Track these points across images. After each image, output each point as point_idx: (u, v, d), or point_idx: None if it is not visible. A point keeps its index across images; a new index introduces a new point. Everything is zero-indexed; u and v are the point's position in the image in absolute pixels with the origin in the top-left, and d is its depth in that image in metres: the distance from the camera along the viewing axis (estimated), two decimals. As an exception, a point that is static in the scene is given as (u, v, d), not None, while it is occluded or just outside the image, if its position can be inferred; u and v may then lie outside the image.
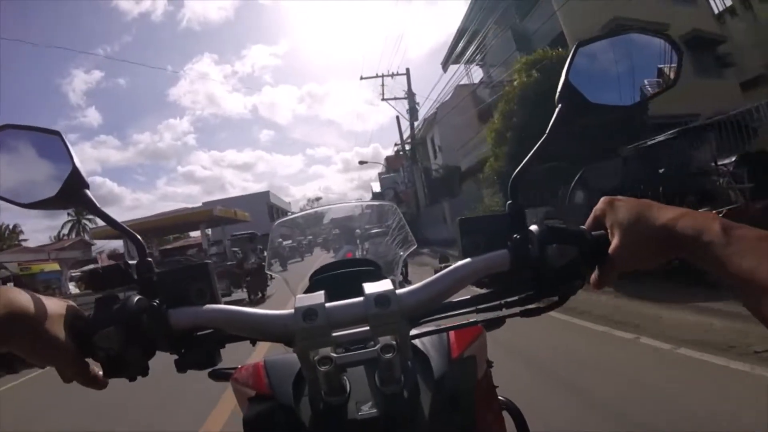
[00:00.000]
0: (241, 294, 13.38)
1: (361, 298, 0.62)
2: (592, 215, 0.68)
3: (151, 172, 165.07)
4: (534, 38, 17.06)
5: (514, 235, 0.67)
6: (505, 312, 0.73)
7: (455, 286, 0.67)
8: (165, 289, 0.68)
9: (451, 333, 0.83)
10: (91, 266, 26.53)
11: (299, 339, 0.60)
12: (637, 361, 4.12)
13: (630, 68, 0.74)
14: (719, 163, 7.09)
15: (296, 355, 0.63)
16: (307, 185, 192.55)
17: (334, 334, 0.62)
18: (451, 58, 25.37)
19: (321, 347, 0.63)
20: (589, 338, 5.03)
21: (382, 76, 28.96)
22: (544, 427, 2.72)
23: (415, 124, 29.48)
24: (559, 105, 0.71)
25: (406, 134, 31.18)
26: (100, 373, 0.62)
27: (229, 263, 14.85)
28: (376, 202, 1.81)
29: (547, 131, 0.71)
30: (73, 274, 22.75)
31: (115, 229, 0.72)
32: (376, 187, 56.94)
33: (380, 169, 50.46)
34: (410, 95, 28.87)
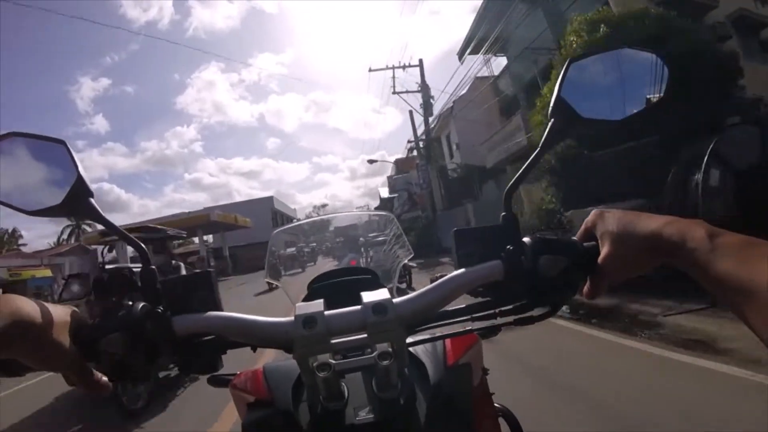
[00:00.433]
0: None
1: (359, 307, 0.64)
2: (583, 227, 0.70)
3: (158, 179, 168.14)
4: (571, 11, 14.03)
5: (508, 246, 0.69)
6: (499, 321, 0.75)
7: (450, 295, 0.69)
8: (168, 296, 0.69)
9: (447, 341, 0.84)
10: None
11: (299, 345, 0.62)
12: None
13: (622, 83, 0.76)
14: None
15: (296, 361, 0.64)
16: (313, 193, 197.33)
17: (333, 341, 0.63)
18: (468, 47, 22.16)
19: (320, 354, 0.64)
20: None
21: (393, 67, 26.48)
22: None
23: (429, 119, 27.01)
24: (552, 119, 0.73)
25: (419, 131, 28.70)
26: (104, 378, 0.63)
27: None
28: (374, 213, 1.82)
29: (540, 145, 0.73)
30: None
31: (119, 237, 0.73)
32: (384, 193, 54.80)
33: (389, 171, 48.24)
34: (424, 87, 26.24)
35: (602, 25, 9.97)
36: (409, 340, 0.71)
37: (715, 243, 0.52)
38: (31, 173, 0.73)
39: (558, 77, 0.74)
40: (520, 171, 0.73)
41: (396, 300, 0.65)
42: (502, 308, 0.73)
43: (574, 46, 10.11)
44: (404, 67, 26.21)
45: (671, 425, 2.92)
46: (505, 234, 0.71)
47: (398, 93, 26.79)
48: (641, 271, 0.63)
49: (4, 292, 0.55)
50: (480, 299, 0.74)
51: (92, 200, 0.71)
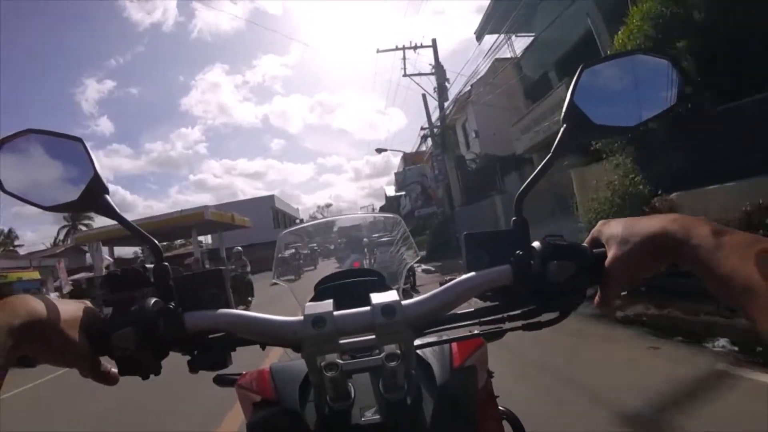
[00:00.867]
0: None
1: (368, 308, 0.64)
2: (590, 236, 0.70)
3: (163, 180, 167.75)
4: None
5: (517, 251, 0.69)
6: (507, 325, 0.75)
7: (459, 299, 0.69)
8: (180, 292, 0.70)
9: (453, 343, 0.84)
10: (83, 275, 24.71)
11: (307, 345, 0.62)
12: None
13: (634, 89, 0.76)
14: None
15: (304, 360, 0.65)
16: (318, 193, 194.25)
17: (341, 341, 0.64)
18: (488, 26, 19.49)
19: (328, 353, 0.65)
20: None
21: (404, 48, 23.07)
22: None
23: (445, 105, 23.13)
24: (564, 125, 0.73)
25: (432, 119, 24.82)
26: (114, 370, 0.64)
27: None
28: (381, 215, 1.82)
29: (551, 151, 0.73)
30: (82, 276, 21.93)
31: (134, 235, 0.73)
32: (390, 191, 52.58)
33: (397, 168, 45.29)
34: (438, 69, 22.54)
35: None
36: (416, 342, 0.71)
37: (720, 241, 0.52)
38: (48, 169, 0.74)
39: (571, 83, 0.73)
40: (532, 176, 0.73)
41: (405, 302, 0.66)
42: (510, 313, 0.74)
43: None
44: (416, 47, 23.00)
45: None
46: (515, 238, 0.71)
47: (409, 75, 23.49)
48: (648, 272, 0.63)
49: None
50: (488, 303, 0.74)
51: (108, 197, 0.72)
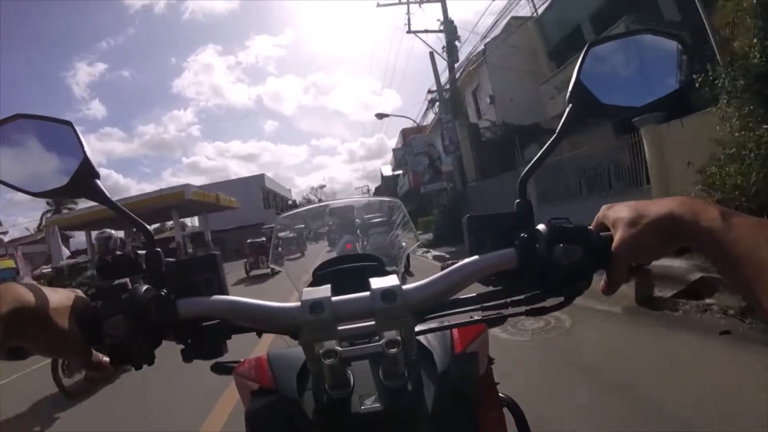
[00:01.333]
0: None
1: (367, 293, 0.63)
2: (595, 220, 0.69)
3: (156, 163, 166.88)
4: None
5: (522, 234, 0.67)
6: (510, 311, 0.74)
7: (461, 284, 0.68)
8: (173, 279, 0.68)
9: (454, 329, 0.83)
10: (66, 261, 23.75)
11: (305, 331, 0.61)
12: None
13: (641, 69, 0.75)
14: None
15: (301, 347, 0.64)
16: (312, 175, 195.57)
17: (340, 328, 0.62)
18: None
19: (326, 340, 0.63)
20: None
21: (408, 2, 20.15)
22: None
23: (455, 67, 20.16)
24: (570, 105, 0.71)
25: (436, 91, 21.69)
26: (106, 359, 0.63)
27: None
28: (379, 198, 1.81)
29: (557, 131, 0.71)
30: (44, 270, 19.63)
31: (125, 219, 0.72)
32: (387, 170, 50.11)
33: (396, 143, 41.05)
34: (447, 24, 19.39)
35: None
36: (417, 328, 0.70)
37: (729, 225, 0.52)
38: (38, 155, 0.73)
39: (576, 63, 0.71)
40: (536, 158, 0.72)
41: (405, 287, 0.64)
42: (513, 298, 0.72)
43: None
44: (421, 1, 20.02)
45: None
46: (519, 221, 0.70)
47: (414, 32, 20.55)
48: (657, 255, 0.62)
49: None
50: (491, 288, 0.72)
51: (98, 182, 0.71)
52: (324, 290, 0.64)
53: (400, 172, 41.66)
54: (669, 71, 0.73)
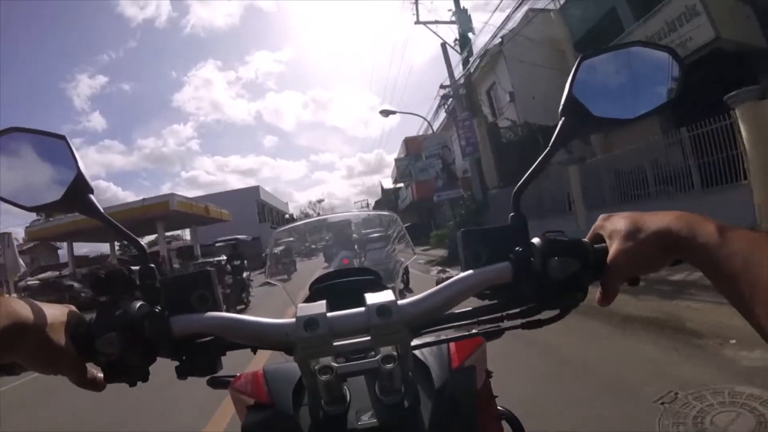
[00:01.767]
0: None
1: (362, 309, 0.63)
2: (591, 231, 0.69)
3: (155, 176, 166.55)
4: None
5: (517, 248, 0.67)
6: (506, 324, 0.74)
7: (457, 298, 0.68)
8: (167, 295, 0.68)
9: (451, 343, 0.83)
10: (48, 273, 21.83)
11: (300, 348, 0.60)
12: None
13: (633, 81, 0.76)
14: None
15: (297, 364, 0.63)
16: (310, 191, 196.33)
17: (335, 344, 0.62)
18: None
19: (322, 356, 0.63)
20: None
21: None
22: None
23: (469, 61, 17.59)
24: (562, 118, 0.71)
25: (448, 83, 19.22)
26: (100, 375, 0.62)
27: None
28: (376, 212, 1.80)
29: (550, 144, 0.72)
30: (29, 283, 18.38)
31: (119, 235, 0.72)
32: (387, 183, 48.93)
33: (399, 153, 38.39)
34: (460, 14, 17.35)
35: None
36: (413, 342, 0.69)
37: (725, 238, 0.52)
38: (31, 168, 0.73)
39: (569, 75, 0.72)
40: (530, 171, 0.72)
41: (401, 302, 0.64)
42: (509, 311, 0.72)
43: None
44: None
45: None
46: (513, 235, 0.70)
47: (423, 23, 18.47)
48: (652, 268, 0.63)
49: None
50: (487, 302, 0.72)
51: (92, 197, 0.71)
52: (319, 306, 0.64)
53: (402, 185, 40.41)
54: (660, 83, 0.74)
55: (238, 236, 17.39)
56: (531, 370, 4.20)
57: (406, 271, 8.54)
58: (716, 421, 2.80)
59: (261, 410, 0.79)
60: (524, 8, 13.98)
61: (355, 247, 1.44)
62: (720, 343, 4.09)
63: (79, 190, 0.70)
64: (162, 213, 21.58)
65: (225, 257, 14.91)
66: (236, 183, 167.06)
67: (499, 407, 1.05)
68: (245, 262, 13.27)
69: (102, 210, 0.71)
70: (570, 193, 12.58)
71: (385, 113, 24.31)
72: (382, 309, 0.61)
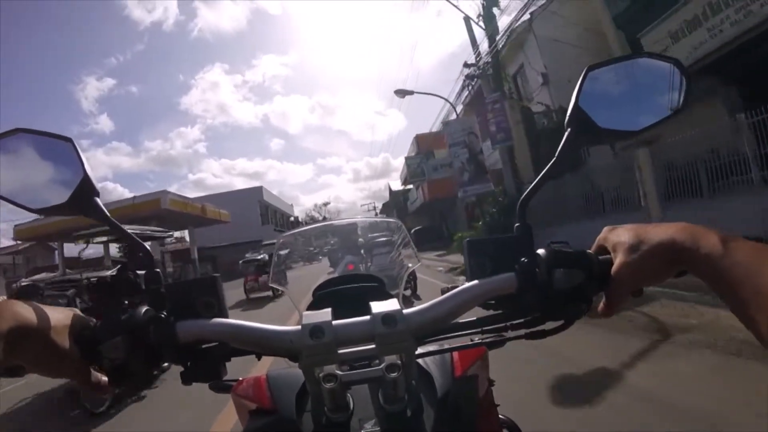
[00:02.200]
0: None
1: (368, 317, 0.63)
2: (596, 243, 0.70)
3: (162, 178, 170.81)
4: None
5: (522, 259, 0.68)
6: (510, 334, 0.74)
7: (462, 308, 0.68)
8: (173, 300, 0.68)
9: (454, 352, 0.83)
10: (43, 275, 22.27)
11: (305, 355, 0.61)
12: None
13: (639, 92, 0.76)
14: None
15: (301, 371, 0.63)
16: (317, 194, 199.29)
17: (340, 351, 0.62)
18: None
19: (326, 364, 0.63)
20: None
21: None
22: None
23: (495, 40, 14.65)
24: (568, 129, 0.72)
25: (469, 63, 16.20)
26: (105, 379, 0.62)
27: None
28: (382, 218, 1.79)
29: (555, 155, 0.72)
30: (23, 283, 18.82)
31: (124, 238, 0.72)
32: (396, 185, 47.32)
33: (409, 151, 36.30)
34: None
35: None
36: (417, 351, 0.69)
37: (728, 249, 0.52)
38: (37, 170, 0.73)
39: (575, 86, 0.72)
40: (536, 181, 0.72)
41: (406, 311, 0.64)
42: (513, 321, 0.73)
43: None
44: None
45: None
46: (519, 245, 0.70)
47: None
48: (656, 280, 0.63)
49: None
50: (491, 312, 0.73)
51: (98, 200, 0.71)
52: (324, 314, 0.64)
53: (412, 186, 38.10)
54: (666, 94, 0.74)
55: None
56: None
57: (414, 277, 8.40)
58: None
59: (263, 416, 0.79)
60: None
61: (362, 251, 1.43)
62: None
63: (85, 193, 0.70)
64: (153, 212, 19.84)
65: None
66: (243, 186, 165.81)
67: (500, 416, 1.06)
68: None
69: (108, 214, 0.71)
70: (640, 183, 10.01)
71: (401, 93, 21.02)
72: (387, 318, 0.61)
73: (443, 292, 0.69)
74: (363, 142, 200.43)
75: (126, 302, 0.67)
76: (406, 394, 0.69)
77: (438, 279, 12.22)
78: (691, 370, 3.66)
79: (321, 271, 1.32)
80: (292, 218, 58.96)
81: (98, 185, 0.71)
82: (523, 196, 0.72)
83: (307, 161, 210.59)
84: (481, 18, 15.15)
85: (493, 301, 0.71)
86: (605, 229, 0.69)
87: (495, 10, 14.90)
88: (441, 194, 29.34)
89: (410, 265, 1.21)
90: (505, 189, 15.50)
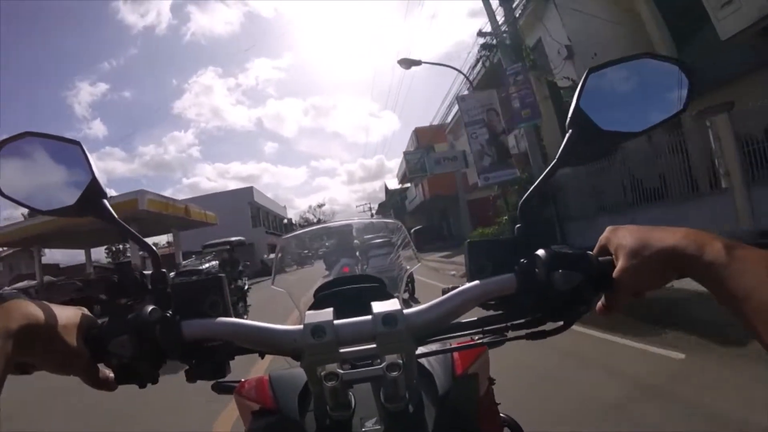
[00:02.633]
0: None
1: (369, 317, 0.63)
2: (598, 244, 0.69)
3: (156, 183, 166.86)
4: None
5: (521, 260, 0.68)
6: (510, 334, 0.74)
7: (462, 308, 0.68)
8: (178, 300, 0.69)
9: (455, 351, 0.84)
10: (25, 283, 20.67)
11: (307, 354, 0.61)
12: None
13: (641, 93, 0.76)
14: None
15: (303, 369, 0.64)
16: (311, 197, 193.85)
17: (342, 351, 0.63)
18: None
19: (328, 363, 0.64)
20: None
21: None
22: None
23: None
24: (570, 131, 0.72)
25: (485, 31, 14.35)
26: (111, 375, 0.64)
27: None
28: (381, 219, 1.78)
29: (556, 157, 0.72)
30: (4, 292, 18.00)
31: (132, 240, 0.73)
32: (392, 183, 45.33)
33: (408, 145, 33.70)
34: None
35: None
36: (418, 351, 0.70)
37: (733, 256, 0.52)
38: (46, 173, 0.74)
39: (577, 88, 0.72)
40: (535, 184, 0.72)
41: (407, 311, 0.65)
42: (514, 322, 0.73)
43: None
44: None
45: None
46: (519, 247, 0.70)
47: None
48: (658, 285, 0.63)
49: None
50: (491, 312, 0.73)
51: (105, 201, 0.72)
52: (326, 314, 0.64)
53: (409, 184, 36.53)
54: (668, 95, 0.74)
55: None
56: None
57: (412, 280, 8.18)
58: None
59: (266, 416, 0.80)
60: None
61: (357, 254, 1.43)
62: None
63: (93, 194, 0.71)
64: (130, 214, 17.46)
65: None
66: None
67: (501, 414, 1.06)
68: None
69: (115, 215, 0.72)
70: (717, 158, 8.16)
71: (406, 63, 17.43)
72: (389, 318, 0.62)
73: (444, 292, 0.70)
74: (357, 144, 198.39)
75: (131, 302, 0.67)
76: (407, 393, 0.70)
77: (451, 284, 11.30)
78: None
79: (317, 275, 1.32)
80: (285, 220, 57.23)
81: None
82: (523, 199, 0.73)
83: (301, 164, 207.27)
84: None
85: (493, 302, 0.72)
86: (608, 229, 0.69)
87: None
88: (443, 191, 27.99)
89: (408, 267, 1.21)
90: (532, 175, 12.91)
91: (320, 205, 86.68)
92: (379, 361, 0.70)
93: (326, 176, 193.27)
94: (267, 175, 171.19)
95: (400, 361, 0.65)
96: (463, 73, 17.14)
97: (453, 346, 0.80)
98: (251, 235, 38.45)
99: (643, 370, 3.98)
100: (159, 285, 0.69)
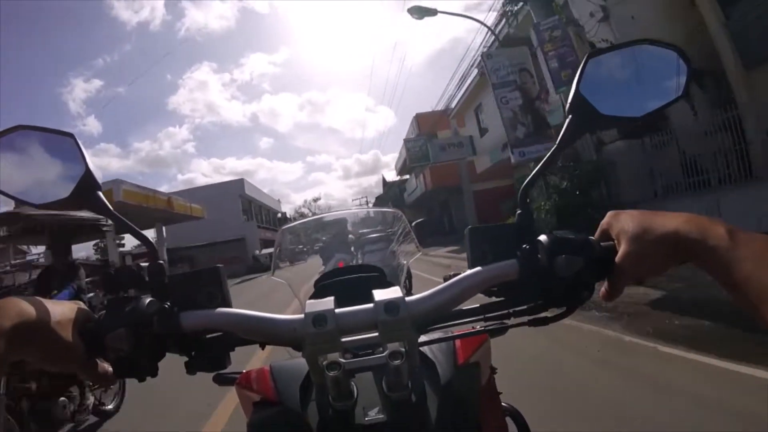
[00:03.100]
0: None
1: (371, 305, 0.63)
2: (599, 228, 0.69)
3: (151, 179, 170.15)
4: None
5: (523, 245, 0.68)
6: (512, 321, 0.74)
7: (464, 295, 0.68)
8: (176, 291, 0.68)
9: (457, 340, 0.84)
10: None
11: (309, 344, 0.61)
12: None
13: (640, 79, 0.76)
14: None
15: (305, 359, 0.64)
16: (307, 192, 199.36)
17: (344, 340, 0.62)
18: None
19: (330, 352, 0.63)
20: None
21: None
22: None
23: None
24: (570, 116, 0.72)
25: None
26: (110, 369, 0.63)
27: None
28: (381, 209, 1.77)
29: (557, 142, 0.72)
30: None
31: (127, 231, 0.72)
32: (390, 176, 44.69)
33: (409, 132, 30.50)
34: None
35: None
36: (420, 339, 0.70)
37: (736, 241, 0.52)
38: (39, 166, 0.73)
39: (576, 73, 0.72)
40: (537, 168, 0.72)
41: (409, 299, 0.64)
42: (516, 308, 0.73)
43: None
44: None
45: None
46: (521, 232, 0.70)
47: None
48: (660, 270, 0.62)
49: None
50: (494, 299, 0.73)
51: (100, 193, 0.71)
52: (327, 302, 0.64)
53: (408, 176, 35.09)
54: (667, 81, 0.74)
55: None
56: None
57: (409, 276, 7.87)
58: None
59: (268, 407, 0.79)
60: None
61: (352, 248, 1.43)
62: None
63: (87, 187, 0.70)
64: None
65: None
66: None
67: (503, 403, 1.06)
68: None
69: (110, 206, 0.71)
70: None
71: (419, 12, 14.41)
72: (390, 305, 0.61)
73: (445, 279, 0.70)
74: (353, 139, 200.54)
75: (126, 294, 0.66)
76: (410, 382, 0.70)
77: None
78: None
79: (315, 270, 1.31)
80: (279, 214, 55.23)
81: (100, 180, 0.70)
82: (524, 185, 0.72)
83: (296, 159, 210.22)
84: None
85: (495, 288, 0.71)
86: (609, 213, 0.68)
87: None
88: (446, 182, 25.56)
89: (404, 262, 1.21)
90: (578, 152, 10.64)
91: (316, 200, 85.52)
92: (381, 349, 0.70)
93: (322, 171, 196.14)
94: (263, 170, 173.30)
95: (403, 350, 0.65)
96: (487, 26, 14.55)
97: (455, 333, 0.79)
98: (244, 230, 37.79)
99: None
100: (156, 277, 0.68)
